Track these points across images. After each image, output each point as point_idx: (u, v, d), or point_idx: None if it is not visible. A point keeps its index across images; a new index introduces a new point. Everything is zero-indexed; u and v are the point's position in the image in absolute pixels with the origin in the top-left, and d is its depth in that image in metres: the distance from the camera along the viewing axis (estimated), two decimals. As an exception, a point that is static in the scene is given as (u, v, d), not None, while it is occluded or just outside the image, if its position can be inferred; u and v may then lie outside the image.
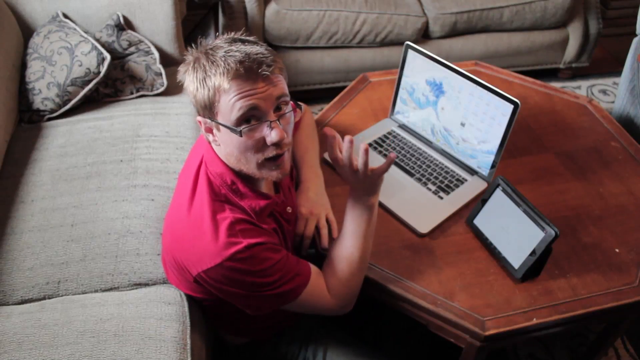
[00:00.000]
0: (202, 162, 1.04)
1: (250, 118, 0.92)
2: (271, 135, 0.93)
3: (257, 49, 0.92)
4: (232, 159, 0.99)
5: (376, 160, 1.41)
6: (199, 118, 0.97)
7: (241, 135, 0.93)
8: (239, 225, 0.97)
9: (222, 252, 0.95)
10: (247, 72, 0.90)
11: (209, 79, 0.91)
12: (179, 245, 1.02)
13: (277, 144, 0.94)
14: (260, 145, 0.95)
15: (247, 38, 0.97)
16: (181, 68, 0.98)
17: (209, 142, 1.02)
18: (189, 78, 0.95)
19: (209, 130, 0.98)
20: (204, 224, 0.97)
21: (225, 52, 0.91)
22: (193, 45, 0.97)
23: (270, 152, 0.96)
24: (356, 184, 1.02)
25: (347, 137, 0.95)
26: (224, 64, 0.90)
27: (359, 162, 0.96)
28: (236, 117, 0.92)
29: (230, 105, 0.91)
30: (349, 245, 1.07)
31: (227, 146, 0.97)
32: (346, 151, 0.96)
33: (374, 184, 1.01)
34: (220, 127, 0.94)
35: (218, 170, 1.01)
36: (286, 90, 0.96)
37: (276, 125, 0.93)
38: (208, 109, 0.94)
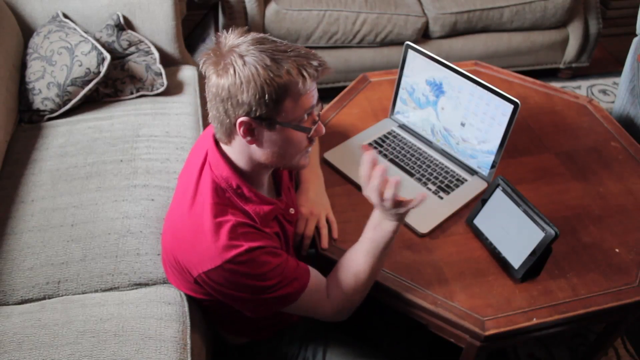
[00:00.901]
0: (206, 164, 1.03)
1: (307, 116, 0.96)
2: (319, 130, 1.00)
3: (307, 49, 0.94)
4: (270, 157, 0.98)
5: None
6: (244, 119, 0.92)
7: (309, 133, 0.97)
8: (241, 229, 0.97)
9: (223, 254, 0.95)
10: (319, 74, 0.92)
11: (280, 77, 0.89)
12: (180, 246, 1.02)
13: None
14: (308, 140, 1.00)
15: (273, 38, 0.96)
16: (210, 67, 0.92)
17: (216, 145, 1.01)
18: (242, 76, 0.88)
19: (249, 131, 0.94)
20: (205, 226, 0.97)
21: (283, 51, 0.91)
22: (215, 46, 0.94)
23: (310, 145, 1.01)
24: (381, 210, 1.02)
25: (380, 167, 0.95)
26: (297, 64, 0.90)
27: (386, 193, 0.95)
28: (299, 117, 0.94)
29: (298, 105, 0.93)
30: (361, 262, 1.06)
31: (274, 145, 0.96)
32: (375, 178, 0.96)
33: (400, 214, 1.01)
34: (278, 126, 0.94)
35: (224, 173, 1.00)
36: None
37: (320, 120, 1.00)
38: (271, 107, 0.91)
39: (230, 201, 1.00)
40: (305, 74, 0.90)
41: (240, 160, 1.00)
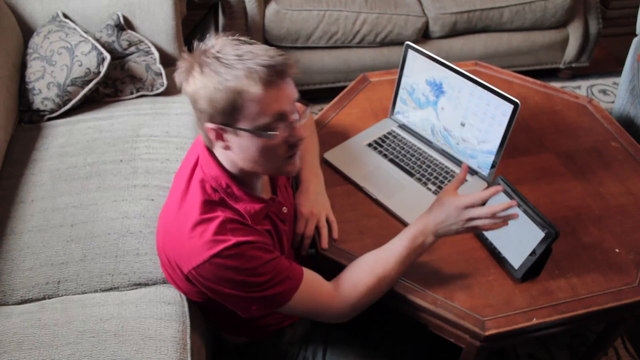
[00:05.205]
0: (198, 164, 1.03)
1: (277, 121, 0.93)
2: (296, 135, 0.95)
3: (275, 51, 0.91)
4: (247, 163, 0.97)
5: (374, 159, 1.41)
6: (210, 125, 0.93)
7: (272, 138, 0.93)
8: (230, 225, 0.97)
9: (210, 248, 0.94)
10: (274, 76, 0.89)
11: (229, 83, 0.88)
12: (170, 244, 1.03)
13: (298, 143, 0.97)
14: (284, 145, 0.96)
15: (249, 40, 0.95)
16: (180, 74, 0.93)
17: (207, 146, 1.01)
18: (198, 83, 0.90)
19: (219, 136, 0.95)
20: (193, 222, 0.97)
21: (239, 55, 0.89)
22: (187, 50, 0.95)
23: (290, 151, 0.97)
24: (444, 214, 1.06)
25: (512, 202, 1.05)
26: (246, 68, 0.88)
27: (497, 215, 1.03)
28: (266, 122, 0.91)
29: (258, 110, 0.90)
30: (390, 268, 1.06)
31: (245, 150, 0.95)
32: (501, 207, 1.04)
33: (459, 226, 1.05)
34: (241, 132, 0.92)
35: (213, 173, 1.00)
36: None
37: (299, 125, 0.95)
38: (227, 114, 0.91)
39: (221, 200, 1.00)
40: (256, 78, 0.88)
41: (226, 164, 1.00)
